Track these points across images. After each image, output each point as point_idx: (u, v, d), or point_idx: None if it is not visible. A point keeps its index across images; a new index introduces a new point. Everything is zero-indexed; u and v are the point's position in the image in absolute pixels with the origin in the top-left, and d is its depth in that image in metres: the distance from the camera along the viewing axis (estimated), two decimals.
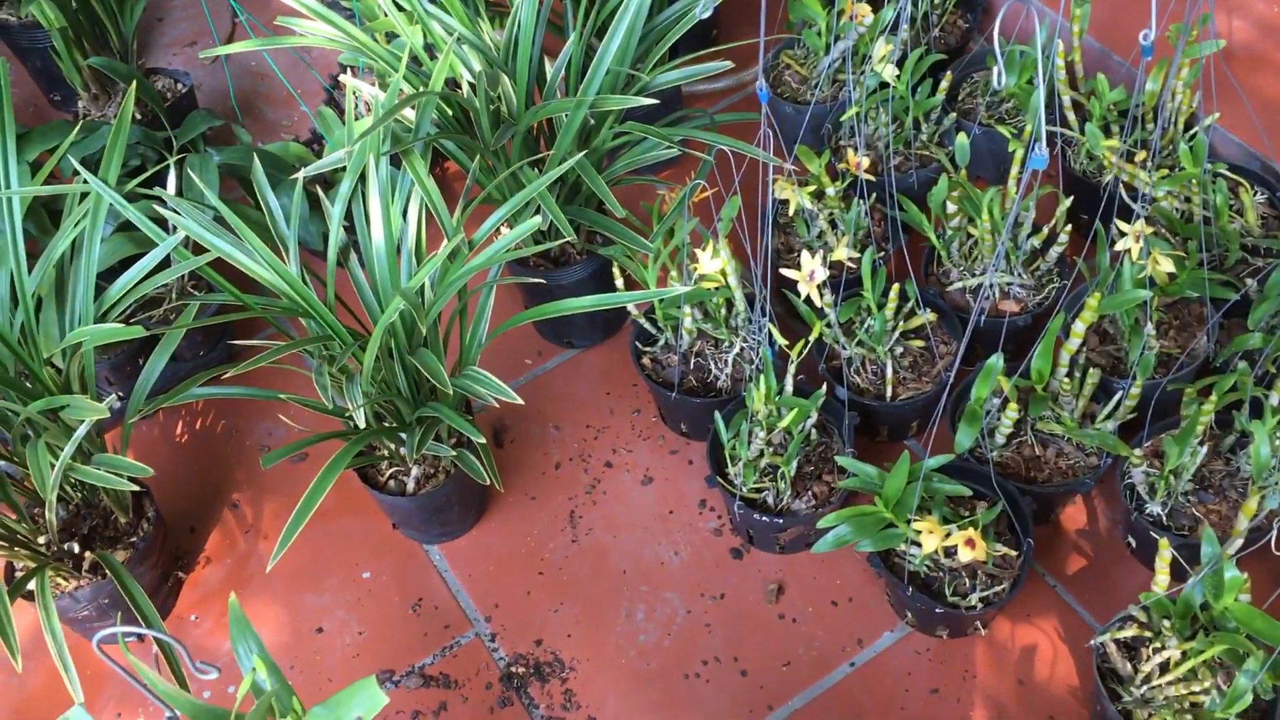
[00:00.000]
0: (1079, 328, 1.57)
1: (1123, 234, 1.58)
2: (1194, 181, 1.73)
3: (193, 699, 1.09)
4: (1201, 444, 1.54)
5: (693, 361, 1.82)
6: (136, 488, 1.55)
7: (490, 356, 2.01)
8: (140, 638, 1.74)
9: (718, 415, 1.68)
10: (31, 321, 1.58)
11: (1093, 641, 1.44)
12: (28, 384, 1.56)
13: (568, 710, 1.60)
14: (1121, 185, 1.81)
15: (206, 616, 1.77)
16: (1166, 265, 1.59)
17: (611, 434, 1.91)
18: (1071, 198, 1.79)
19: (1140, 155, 1.82)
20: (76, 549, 1.63)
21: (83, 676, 1.65)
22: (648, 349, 1.86)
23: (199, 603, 1.78)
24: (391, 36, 1.90)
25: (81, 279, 1.60)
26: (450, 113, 1.78)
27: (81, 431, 1.43)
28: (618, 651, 1.66)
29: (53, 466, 1.44)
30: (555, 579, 1.75)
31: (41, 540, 1.61)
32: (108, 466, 1.49)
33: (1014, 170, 1.77)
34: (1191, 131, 1.86)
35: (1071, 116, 1.95)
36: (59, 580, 1.62)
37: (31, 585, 1.48)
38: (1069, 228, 1.77)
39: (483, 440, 1.53)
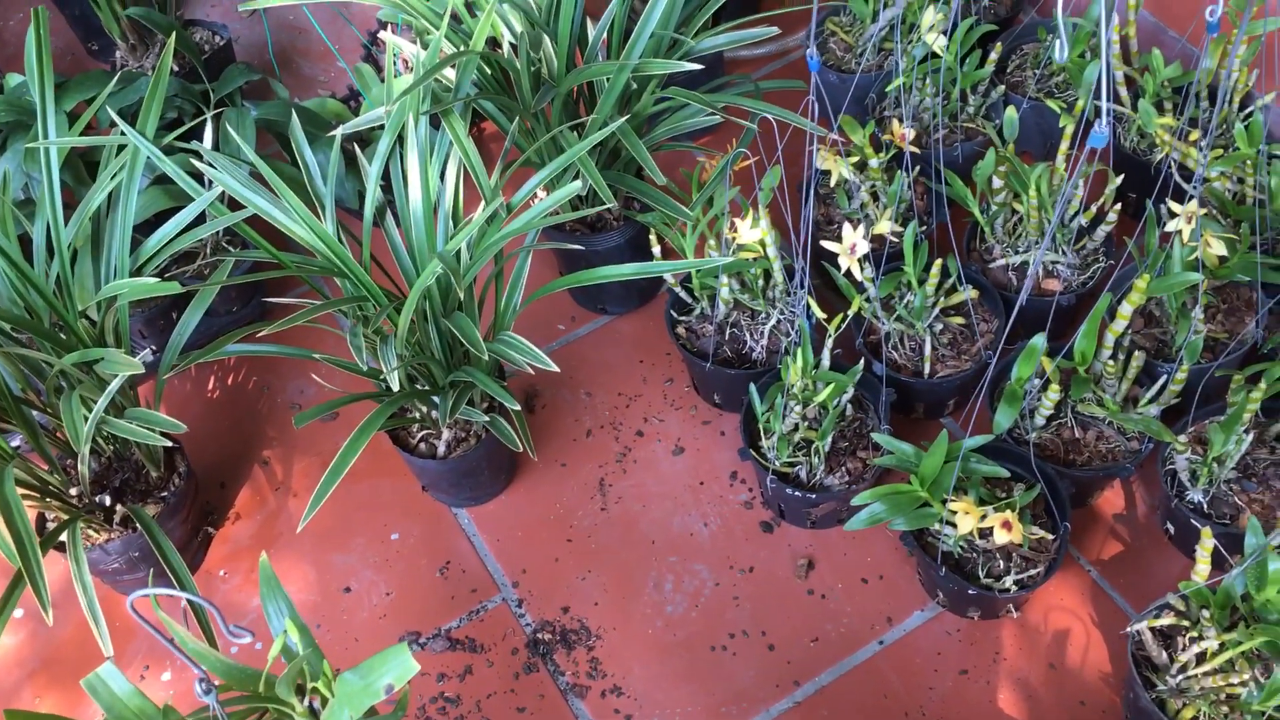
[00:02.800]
0: (1125, 309, 1.54)
1: (1173, 214, 1.54)
2: (1248, 162, 1.69)
3: (221, 657, 1.09)
4: (1247, 432, 1.51)
5: (728, 332, 1.80)
6: (169, 443, 1.55)
7: (523, 320, 2.00)
8: (178, 595, 1.75)
9: (752, 387, 1.66)
10: (67, 273, 1.57)
11: (1129, 628, 1.42)
12: (62, 335, 1.56)
13: (593, 678, 1.60)
14: (1174, 164, 1.77)
15: (235, 572, 1.77)
16: (1218, 248, 1.55)
17: (644, 403, 1.90)
18: (1121, 176, 1.75)
19: (1194, 134, 1.77)
20: (108, 502, 1.63)
21: (111, 628, 1.66)
22: (683, 318, 1.84)
23: (228, 558, 1.79)
24: None
25: (117, 231, 1.59)
26: (490, 73, 1.76)
27: (115, 386, 1.43)
28: (644, 621, 1.65)
29: (86, 419, 1.44)
30: (583, 546, 1.74)
31: (73, 492, 1.61)
32: (141, 421, 1.49)
33: (1064, 146, 1.73)
34: (1247, 110, 1.81)
35: (1124, 92, 1.91)
36: (90, 532, 1.63)
37: (63, 537, 1.48)
38: (1117, 206, 1.73)
39: (518, 407, 1.52)
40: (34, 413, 1.56)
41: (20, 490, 1.47)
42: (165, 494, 1.68)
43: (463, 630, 1.67)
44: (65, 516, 1.56)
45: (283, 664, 1.05)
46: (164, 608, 1.69)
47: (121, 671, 1.05)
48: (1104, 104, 0.97)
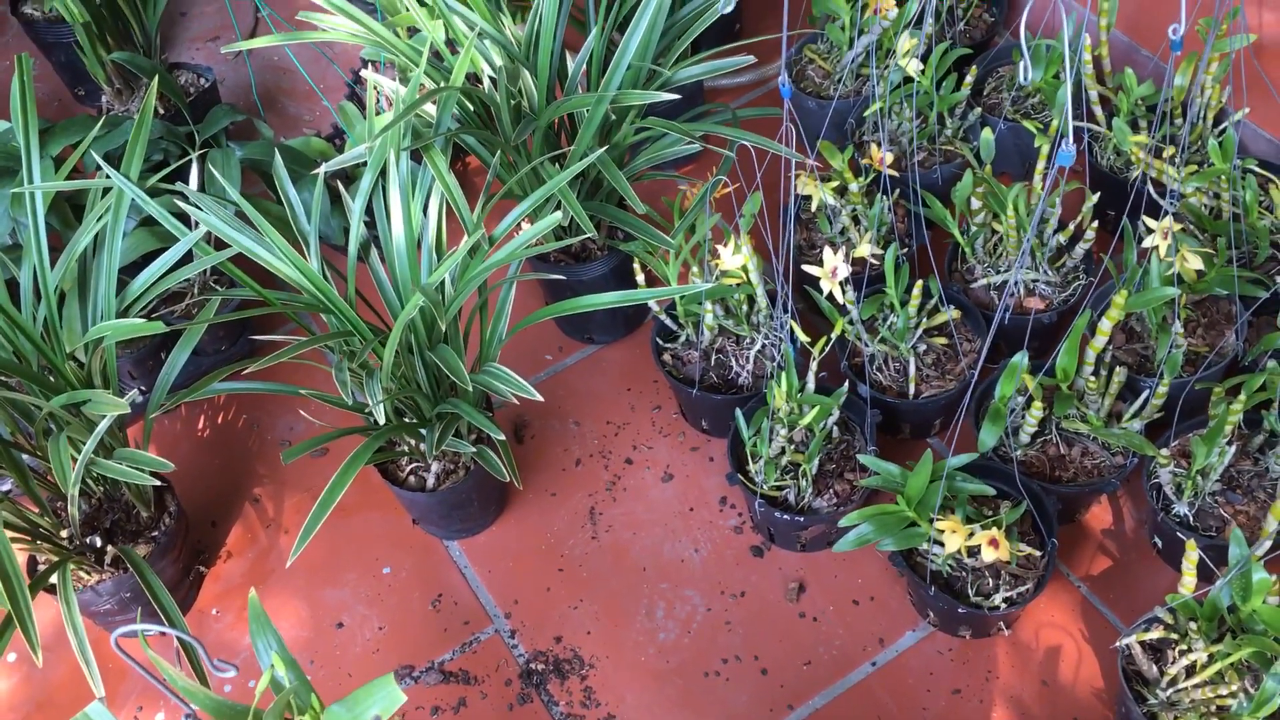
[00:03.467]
0: (1105, 325, 1.55)
1: (1150, 231, 1.56)
2: (1223, 177, 1.71)
3: (212, 694, 1.09)
4: (1230, 444, 1.52)
5: (714, 358, 1.81)
6: (158, 483, 1.55)
7: (511, 351, 2.01)
8: (162, 632, 1.75)
9: (739, 412, 1.67)
10: (54, 316, 1.58)
11: (1118, 643, 1.42)
12: (50, 378, 1.57)
13: (587, 708, 1.60)
14: (1149, 181, 1.79)
15: (228, 610, 1.77)
16: (1195, 262, 1.57)
17: (632, 430, 1.90)
18: (1098, 194, 1.77)
19: (1169, 151, 1.80)
20: (99, 543, 1.63)
21: (104, 670, 1.66)
22: (669, 345, 1.85)
23: (220, 596, 1.79)
24: (413, 31, 1.90)
25: (104, 274, 1.60)
26: (471, 108, 1.78)
27: (103, 427, 1.43)
28: (637, 649, 1.65)
29: (75, 461, 1.44)
30: (575, 575, 1.74)
31: (64, 534, 1.62)
32: (129, 461, 1.49)
33: (1040, 166, 1.75)
34: (1221, 127, 1.83)
35: (1098, 111, 1.93)
36: (81, 574, 1.63)
37: (54, 579, 1.48)
38: (1095, 224, 1.75)
39: (503, 438, 1.52)
40: (23, 456, 1.57)
41: (10, 533, 1.47)
42: (156, 534, 1.68)
43: (456, 662, 1.67)
44: (55, 558, 1.57)
45: (272, 698, 1.06)
46: (158, 649, 1.69)
47: (114, 713, 1.05)
48: (1069, 122, 0.99)
